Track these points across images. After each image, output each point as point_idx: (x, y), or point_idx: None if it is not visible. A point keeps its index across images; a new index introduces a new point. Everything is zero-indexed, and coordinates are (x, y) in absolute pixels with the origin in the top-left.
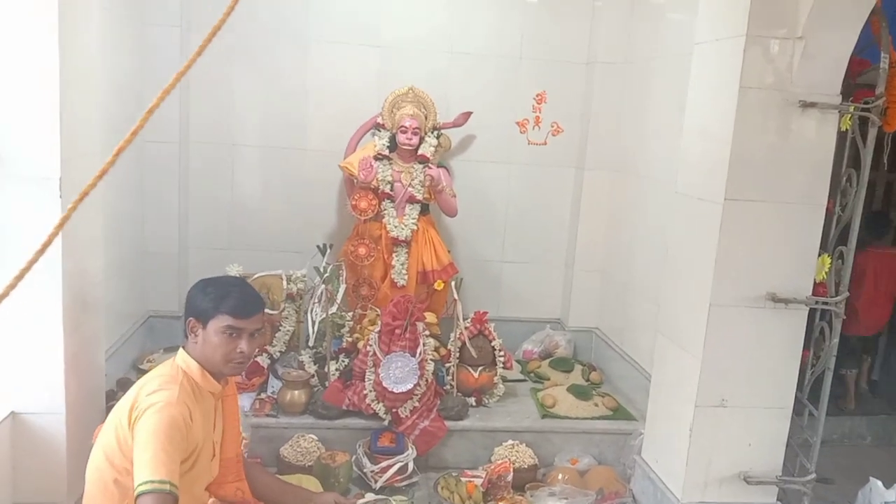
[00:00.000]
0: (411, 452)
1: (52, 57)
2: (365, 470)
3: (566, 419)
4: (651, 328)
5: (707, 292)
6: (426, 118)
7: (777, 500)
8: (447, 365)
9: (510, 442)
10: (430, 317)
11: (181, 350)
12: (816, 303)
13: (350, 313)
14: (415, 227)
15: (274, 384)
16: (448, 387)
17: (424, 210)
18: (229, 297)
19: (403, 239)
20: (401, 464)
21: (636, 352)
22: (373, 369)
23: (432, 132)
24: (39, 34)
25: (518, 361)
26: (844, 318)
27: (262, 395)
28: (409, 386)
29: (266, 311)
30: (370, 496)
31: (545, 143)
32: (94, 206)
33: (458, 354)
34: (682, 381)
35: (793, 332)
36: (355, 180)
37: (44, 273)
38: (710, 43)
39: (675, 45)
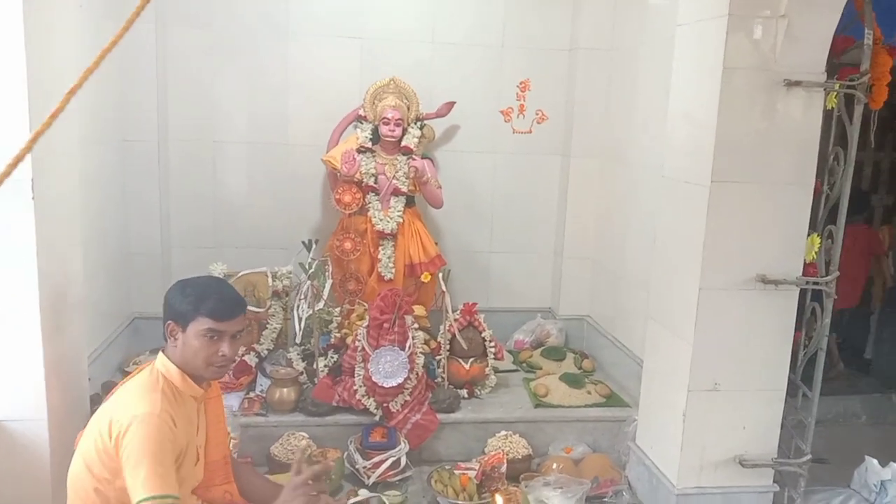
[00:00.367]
0: (404, 447)
1: (19, 56)
2: (357, 466)
3: (559, 408)
4: (643, 314)
5: (696, 276)
6: (408, 109)
7: (773, 482)
8: (437, 357)
9: (503, 433)
10: (419, 310)
11: (161, 354)
12: (807, 283)
13: (338, 309)
14: (400, 220)
15: (262, 383)
16: (439, 379)
17: (410, 202)
18: (209, 299)
19: (389, 232)
20: (393, 458)
21: (628, 339)
22: (362, 364)
23: (415, 123)
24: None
25: (509, 352)
26: (836, 297)
27: (251, 394)
28: (400, 380)
29: (252, 309)
30: (363, 492)
31: (530, 132)
32: (70, 207)
33: (448, 347)
34: (675, 367)
35: (784, 314)
36: (338, 174)
37: (18, 276)
38: (693, 24)
39: (660, 30)
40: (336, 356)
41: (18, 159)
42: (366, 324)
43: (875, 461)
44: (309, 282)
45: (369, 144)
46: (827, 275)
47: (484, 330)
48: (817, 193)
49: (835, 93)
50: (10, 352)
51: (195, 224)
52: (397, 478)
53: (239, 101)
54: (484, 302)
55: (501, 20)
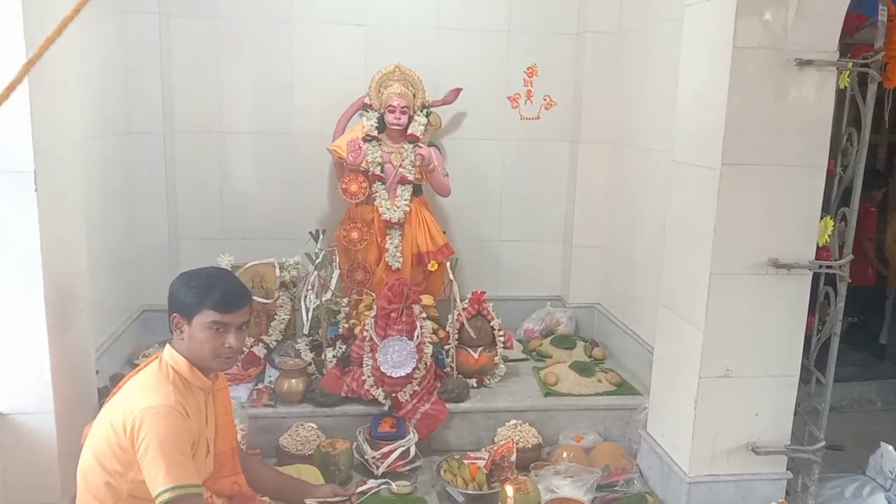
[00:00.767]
0: (413, 437)
1: (18, 47)
2: (366, 456)
3: (569, 396)
4: (653, 302)
5: (707, 261)
6: (414, 96)
7: (786, 469)
8: (446, 347)
9: (513, 422)
10: (427, 299)
11: (168, 346)
12: (820, 267)
13: (346, 299)
14: (407, 209)
15: (271, 374)
16: (448, 369)
17: (417, 191)
18: (213, 291)
19: (396, 221)
20: (402, 449)
21: (639, 326)
22: (370, 354)
23: (421, 111)
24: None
25: (519, 340)
26: (850, 280)
27: (259, 386)
28: (408, 370)
29: (260, 300)
30: (372, 482)
31: (538, 118)
32: (74, 200)
33: (456, 336)
34: (686, 353)
35: (797, 299)
36: (345, 163)
37: (23, 269)
38: (701, 4)
39: (668, 11)
40: (344, 346)
41: None
42: (374, 314)
43: (890, 447)
44: (316, 272)
45: (375, 133)
46: (840, 258)
47: (493, 319)
48: (830, 175)
49: (848, 72)
50: (17, 345)
51: (202, 215)
52: (406, 468)
53: (244, 91)
54: (493, 290)
55: (507, 4)
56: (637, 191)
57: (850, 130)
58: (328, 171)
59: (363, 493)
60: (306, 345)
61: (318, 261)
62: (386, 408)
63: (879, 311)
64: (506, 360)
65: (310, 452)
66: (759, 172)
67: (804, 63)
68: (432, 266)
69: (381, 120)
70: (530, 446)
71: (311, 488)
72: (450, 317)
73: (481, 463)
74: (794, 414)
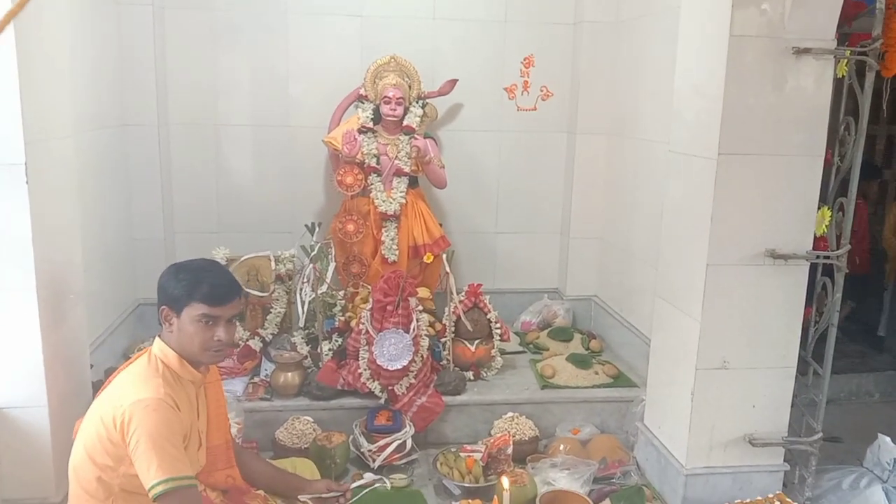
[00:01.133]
0: (409, 430)
1: (7, 38)
2: (362, 450)
3: (566, 389)
4: (651, 294)
5: (704, 252)
6: (410, 87)
7: (784, 461)
8: (443, 340)
9: (510, 414)
10: (424, 292)
11: (157, 339)
12: (817, 257)
13: (342, 292)
14: (403, 201)
15: (267, 367)
16: (444, 362)
17: (413, 183)
18: (202, 284)
19: (392, 213)
20: (399, 442)
21: (637, 318)
22: (366, 347)
23: (417, 102)
24: None
25: (516, 333)
26: (847, 271)
27: (255, 379)
28: (404, 363)
29: (256, 293)
30: (369, 476)
31: (535, 109)
32: (67, 193)
33: (453, 329)
34: (682, 345)
35: (794, 289)
36: (340, 155)
37: (15, 263)
38: None
39: (665, 0)
40: (340, 340)
41: None
42: (370, 306)
43: (888, 439)
44: (312, 265)
45: (371, 124)
46: (838, 248)
47: (489, 311)
48: (828, 165)
49: (845, 60)
50: (9, 339)
51: (198, 208)
52: (403, 461)
53: (239, 83)
54: (490, 283)
55: None
56: (635, 182)
57: (848, 120)
58: (324, 163)
59: (360, 487)
60: (302, 338)
61: (313, 253)
62: (382, 401)
63: (878, 303)
64: (502, 352)
65: (306, 446)
66: (756, 162)
67: (801, 51)
68: (428, 258)
69: (376, 111)
70: (527, 439)
71: (306, 484)
72: (446, 309)
73: (478, 456)
74: (792, 406)
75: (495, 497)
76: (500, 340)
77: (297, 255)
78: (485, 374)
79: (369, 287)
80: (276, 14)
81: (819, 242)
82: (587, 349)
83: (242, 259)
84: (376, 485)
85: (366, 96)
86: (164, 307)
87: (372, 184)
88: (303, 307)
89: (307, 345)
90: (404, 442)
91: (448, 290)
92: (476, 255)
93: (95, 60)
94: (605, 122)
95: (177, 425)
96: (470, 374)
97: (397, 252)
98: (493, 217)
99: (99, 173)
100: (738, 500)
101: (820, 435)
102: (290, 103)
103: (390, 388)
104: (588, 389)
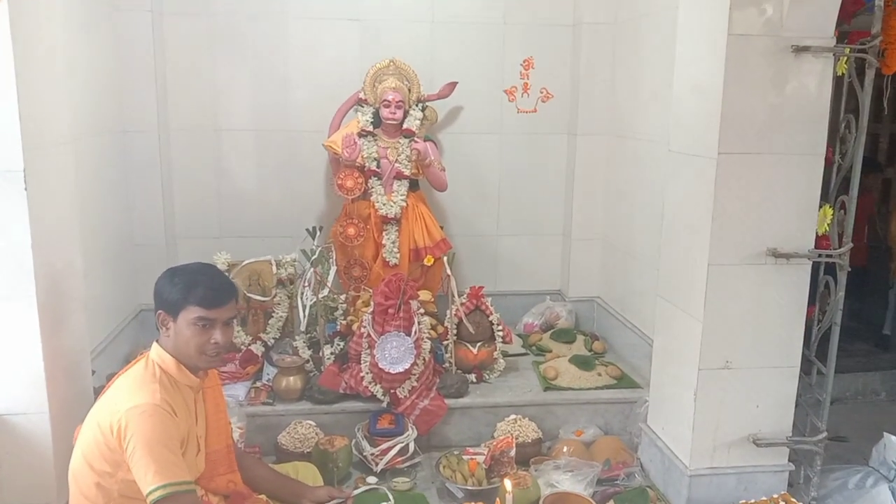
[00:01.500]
0: (412, 433)
1: (5, 45)
2: (365, 453)
3: (569, 391)
4: (653, 294)
5: (705, 252)
6: (409, 91)
7: (788, 461)
8: (445, 342)
9: (513, 417)
10: (425, 294)
11: (155, 344)
12: (819, 256)
13: (343, 296)
14: (404, 204)
15: (269, 371)
16: (447, 364)
17: (413, 186)
18: (198, 287)
19: (393, 217)
20: (401, 445)
21: (639, 319)
22: (368, 351)
23: (417, 105)
24: None
25: (519, 335)
26: (850, 269)
27: (258, 384)
28: (406, 366)
29: (257, 297)
30: (371, 480)
31: (535, 111)
32: (66, 199)
33: (455, 331)
34: (685, 345)
35: (796, 288)
36: (340, 159)
37: (14, 269)
38: None
39: (664, 1)
40: (342, 343)
41: None
42: (371, 310)
43: (894, 438)
44: (313, 269)
45: (370, 128)
46: (840, 247)
47: (491, 313)
48: (829, 163)
49: (845, 58)
50: (10, 346)
51: (199, 214)
52: (406, 464)
53: (239, 88)
54: (492, 285)
55: None
56: (635, 182)
57: (849, 118)
58: (324, 167)
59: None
60: (304, 342)
61: (314, 257)
62: (384, 404)
63: (883, 302)
64: (505, 354)
65: (308, 450)
66: (757, 161)
67: (801, 50)
68: (428, 260)
69: (376, 115)
70: (530, 441)
71: (308, 490)
72: (448, 312)
73: (481, 458)
74: (796, 405)
75: (498, 500)
76: (503, 343)
77: (299, 259)
78: (487, 377)
79: (371, 290)
80: (276, 19)
81: (821, 241)
82: (590, 351)
83: (244, 264)
84: (380, 489)
85: (365, 100)
86: (160, 312)
87: (372, 187)
88: (304, 311)
89: (309, 349)
90: (407, 445)
91: (450, 292)
92: (478, 258)
93: (94, 66)
94: (605, 122)
95: (174, 430)
96: (472, 377)
97: (398, 255)
98: (495, 219)
99: (99, 179)
100: (743, 501)
101: (825, 434)
102: (290, 108)
103: (392, 391)
104: (591, 391)
